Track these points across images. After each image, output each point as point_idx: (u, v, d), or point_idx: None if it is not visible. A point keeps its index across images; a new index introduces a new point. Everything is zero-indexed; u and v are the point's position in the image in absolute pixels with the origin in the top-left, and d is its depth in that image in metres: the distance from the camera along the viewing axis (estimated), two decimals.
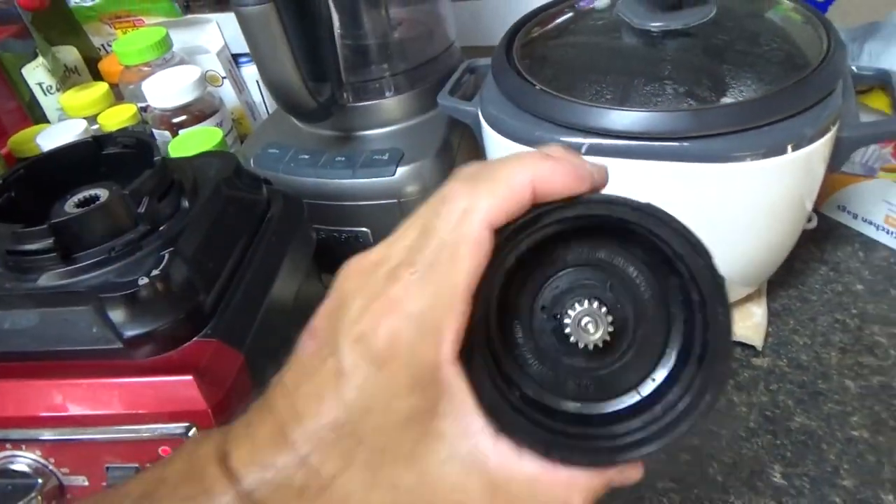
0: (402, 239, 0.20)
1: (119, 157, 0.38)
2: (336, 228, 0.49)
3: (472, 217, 0.19)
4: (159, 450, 0.31)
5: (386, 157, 0.48)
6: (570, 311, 0.20)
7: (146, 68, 0.64)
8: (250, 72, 0.71)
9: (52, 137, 0.57)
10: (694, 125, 0.36)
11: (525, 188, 0.19)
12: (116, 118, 0.60)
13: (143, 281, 0.31)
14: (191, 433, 0.30)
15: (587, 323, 0.20)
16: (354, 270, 0.21)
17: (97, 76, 0.69)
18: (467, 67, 0.51)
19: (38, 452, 0.32)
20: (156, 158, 0.35)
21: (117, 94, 0.65)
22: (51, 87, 0.65)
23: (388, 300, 0.19)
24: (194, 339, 0.32)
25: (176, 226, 0.34)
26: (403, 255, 0.20)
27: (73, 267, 0.32)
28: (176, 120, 0.60)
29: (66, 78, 0.66)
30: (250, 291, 0.35)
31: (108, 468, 0.32)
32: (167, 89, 0.59)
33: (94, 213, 0.32)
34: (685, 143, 0.36)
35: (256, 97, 0.72)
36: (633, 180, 0.37)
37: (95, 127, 0.60)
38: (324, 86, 0.46)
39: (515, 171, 0.19)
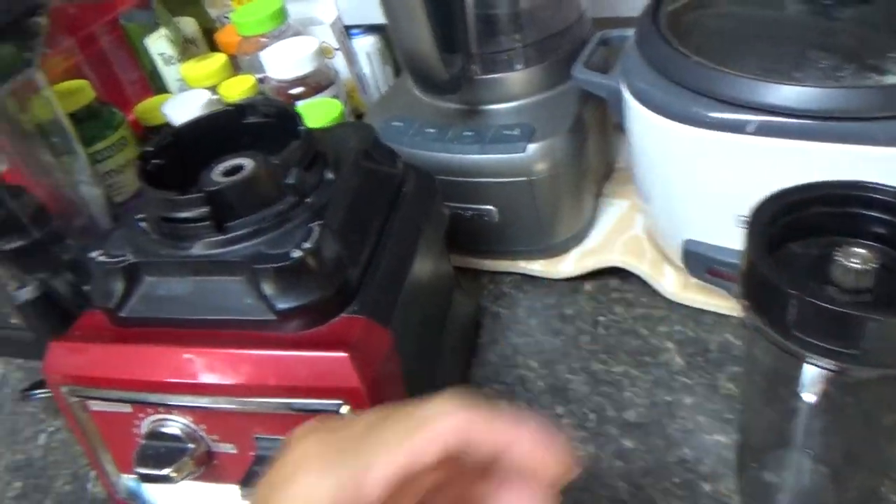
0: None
1: (259, 126, 0.38)
2: (461, 205, 0.47)
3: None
4: None
5: (516, 132, 0.46)
6: None
7: (263, 39, 0.64)
8: (362, 44, 0.70)
9: (177, 106, 0.58)
10: (885, 103, 0.32)
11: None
12: (236, 89, 0.60)
13: (297, 254, 0.30)
14: (342, 410, 0.30)
15: None
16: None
17: (213, 47, 0.70)
18: (601, 39, 0.48)
19: (190, 418, 0.33)
20: (300, 128, 0.34)
21: (234, 66, 0.66)
22: (172, 57, 0.66)
23: None
24: (341, 314, 0.32)
25: (321, 198, 0.33)
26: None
27: (226, 236, 0.32)
28: (293, 91, 0.60)
29: (185, 49, 0.67)
30: (391, 268, 0.35)
31: (256, 438, 0.32)
32: (286, 60, 0.59)
33: (247, 183, 0.32)
34: (874, 124, 0.32)
35: (367, 70, 0.71)
36: (808, 165, 0.33)
37: (216, 97, 0.60)
38: (455, 57, 0.45)
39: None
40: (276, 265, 0.30)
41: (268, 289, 0.30)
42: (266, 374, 0.30)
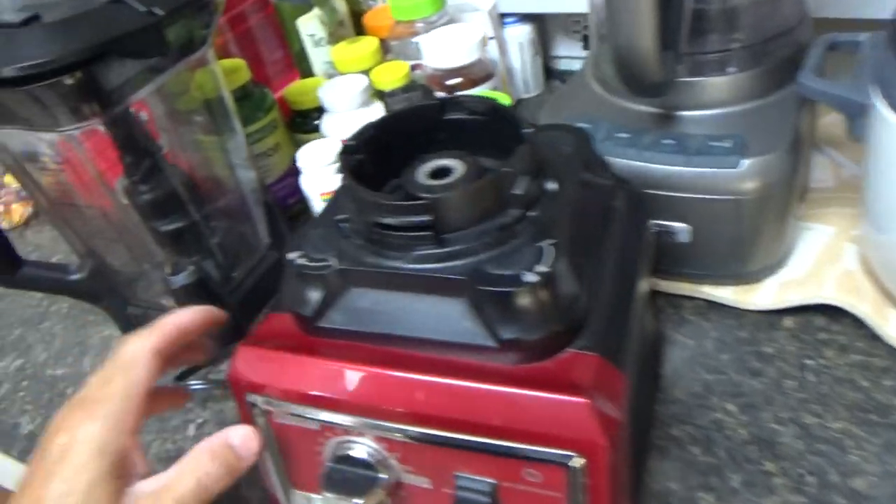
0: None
1: (460, 123, 0.34)
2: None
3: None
4: (523, 471, 0.27)
5: (727, 144, 0.40)
6: None
7: (418, 24, 0.60)
8: (514, 33, 0.66)
9: (334, 91, 0.55)
10: None
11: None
12: (390, 75, 0.57)
13: (530, 278, 0.26)
14: (572, 463, 0.26)
15: None
16: None
17: (360, 31, 0.68)
18: (829, 43, 0.42)
19: (384, 445, 0.30)
20: (524, 131, 0.30)
21: (383, 50, 0.63)
22: (322, 39, 0.64)
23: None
24: (567, 349, 0.28)
25: (544, 212, 0.29)
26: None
27: (444, 250, 0.28)
28: (450, 82, 0.56)
29: (335, 31, 0.65)
30: (616, 297, 0.30)
31: (457, 476, 0.29)
32: (447, 48, 0.55)
33: (476, 191, 0.28)
34: None
35: (517, 61, 0.67)
36: None
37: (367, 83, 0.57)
38: (668, 56, 0.40)
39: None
40: (506, 289, 0.26)
41: (493, 314, 0.27)
42: (486, 410, 0.27)
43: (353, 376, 0.29)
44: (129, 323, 0.54)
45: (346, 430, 0.30)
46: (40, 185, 0.47)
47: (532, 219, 0.29)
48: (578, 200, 0.31)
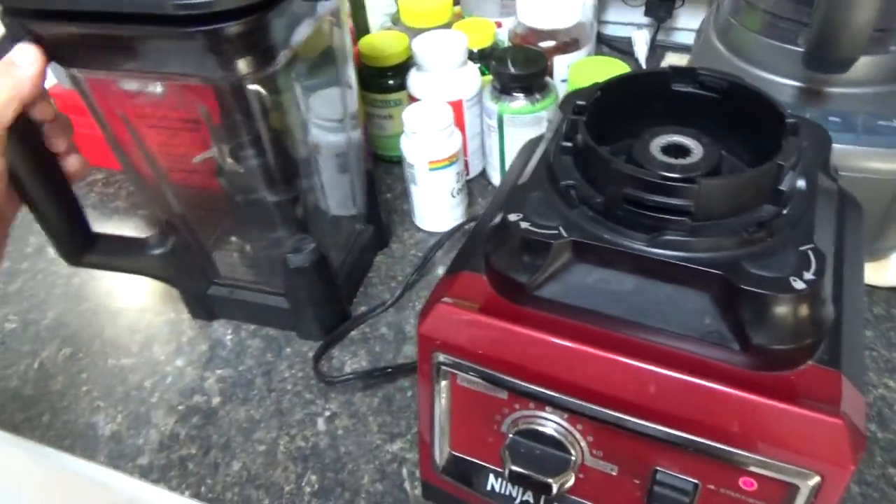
0: None
1: (688, 97, 0.32)
2: None
3: None
4: (741, 480, 0.26)
5: (895, 123, 0.40)
6: None
7: None
8: None
9: (432, 47, 0.51)
10: None
11: None
12: (477, 33, 0.53)
13: (800, 285, 0.24)
14: (810, 483, 0.25)
15: None
16: None
17: None
18: None
19: (579, 426, 0.29)
20: (790, 121, 0.28)
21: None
22: None
23: None
24: (809, 362, 0.26)
25: (796, 211, 0.27)
26: None
27: (697, 239, 0.26)
28: (542, 44, 0.52)
29: None
30: (851, 311, 0.28)
31: (656, 471, 0.28)
32: (550, 6, 0.51)
33: (746, 181, 0.26)
34: None
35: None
36: None
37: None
38: None
39: None
40: (771, 293, 0.24)
41: (747, 316, 0.25)
42: (724, 414, 0.25)
43: (566, 353, 0.27)
44: (207, 305, 0.50)
45: (538, 405, 0.29)
46: (142, 142, 0.42)
47: (786, 218, 0.27)
48: (819, 203, 0.29)
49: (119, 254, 0.46)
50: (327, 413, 0.44)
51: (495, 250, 0.29)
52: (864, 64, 0.42)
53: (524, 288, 0.28)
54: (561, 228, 0.27)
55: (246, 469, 0.41)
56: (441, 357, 0.30)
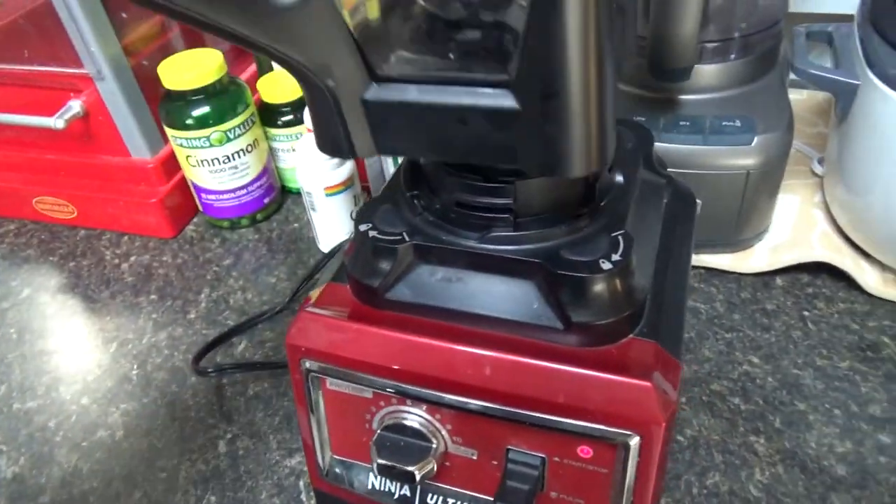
0: None
1: None
2: None
3: None
4: (578, 448, 0.29)
5: (737, 123, 0.45)
6: None
7: None
8: None
9: None
10: None
11: None
12: None
13: (606, 265, 0.27)
14: (631, 442, 0.27)
15: None
16: None
17: None
18: (806, 32, 0.50)
19: (437, 416, 0.31)
20: None
21: None
22: None
23: None
24: (630, 335, 0.29)
25: (613, 203, 0.31)
26: None
27: (520, 233, 0.29)
28: None
29: None
30: (671, 290, 0.32)
31: (508, 450, 0.30)
32: None
33: (559, 179, 0.29)
34: None
35: None
36: None
37: None
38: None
39: None
40: (582, 275, 0.27)
41: (566, 298, 0.28)
42: (551, 388, 0.28)
43: (417, 348, 0.30)
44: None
45: (400, 400, 0.31)
46: None
47: (602, 209, 0.30)
48: (641, 195, 0.32)
49: None
50: (228, 436, 0.45)
51: (352, 259, 0.32)
52: (708, 71, 0.48)
53: (377, 291, 0.31)
54: (405, 234, 0.30)
55: (146, 497, 0.42)
56: (308, 363, 0.32)
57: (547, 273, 0.28)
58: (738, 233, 0.50)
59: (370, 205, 0.32)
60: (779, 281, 0.50)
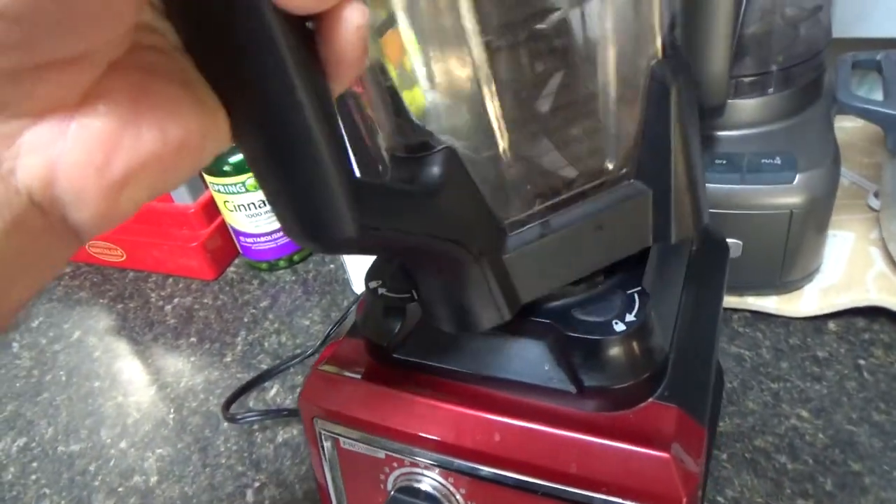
0: None
1: None
2: None
3: None
4: None
5: (777, 161, 0.43)
6: None
7: None
8: None
9: None
10: None
11: None
12: None
13: (620, 327, 0.26)
14: None
15: None
16: None
17: None
18: (852, 62, 0.46)
19: (451, 480, 0.30)
20: None
21: None
22: None
23: None
24: (650, 399, 0.27)
25: (631, 257, 0.29)
26: None
27: None
28: None
29: None
30: (696, 349, 0.30)
31: None
32: None
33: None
34: None
35: None
36: None
37: None
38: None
39: None
40: (595, 337, 0.26)
41: (577, 360, 0.27)
42: (562, 457, 0.27)
43: (426, 410, 0.29)
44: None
45: (413, 463, 0.30)
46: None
47: (618, 265, 0.29)
48: (660, 245, 0.31)
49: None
50: (256, 484, 0.45)
51: (363, 317, 0.31)
52: (745, 106, 0.46)
53: (387, 350, 0.30)
54: (414, 292, 0.30)
55: None
56: (321, 423, 0.32)
57: (558, 334, 0.27)
58: (786, 274, 0.47)
59: (380, 263, 0.32)
60: (831, 325, 0.47)
